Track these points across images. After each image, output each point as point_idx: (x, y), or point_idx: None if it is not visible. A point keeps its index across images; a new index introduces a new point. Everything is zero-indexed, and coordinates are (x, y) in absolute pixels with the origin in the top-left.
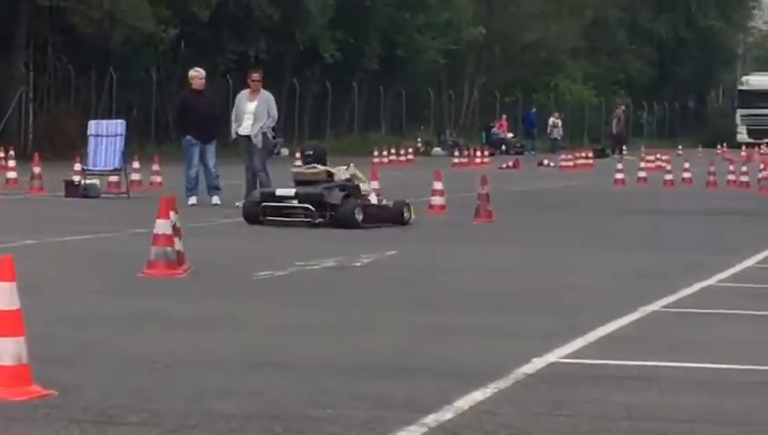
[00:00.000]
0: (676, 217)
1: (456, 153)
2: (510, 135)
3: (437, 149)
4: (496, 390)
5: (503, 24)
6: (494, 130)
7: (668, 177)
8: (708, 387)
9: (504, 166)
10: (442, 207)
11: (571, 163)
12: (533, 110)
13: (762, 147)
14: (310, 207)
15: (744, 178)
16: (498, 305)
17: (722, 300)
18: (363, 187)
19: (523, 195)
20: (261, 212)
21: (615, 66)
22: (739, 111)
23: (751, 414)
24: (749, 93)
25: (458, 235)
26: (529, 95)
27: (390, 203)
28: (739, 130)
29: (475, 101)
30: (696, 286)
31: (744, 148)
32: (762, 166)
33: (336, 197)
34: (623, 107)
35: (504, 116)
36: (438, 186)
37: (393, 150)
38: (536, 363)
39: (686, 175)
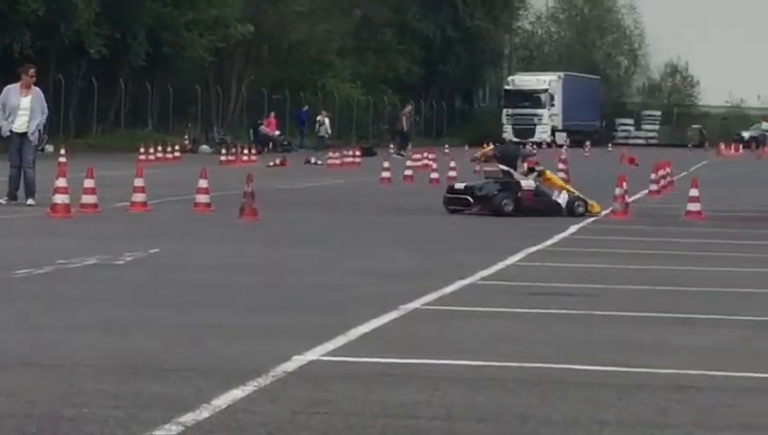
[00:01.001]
0: (441, 216)
1: (224, 151)
2: (277, 133)
3: (205, 147)
4: (255, 388)
5: (271, 22)
6: (262, 127)
7: (434, 175)
8: (466, 383)
9: (272, 163)
10: (207, 204)
11: (338, 161)
12: (306, 108)
13: (527, 145)
14: (468, 198)
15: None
16: (261, 304)
17: (483, 298)
18: (525, 183)
19: (290, 193)
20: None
21: (383, 65)
22: (505, 111)
23: (507, 410)
24: (514, 93)
25: (223, 233)
26: (297, 93)
27: (564, 198)
28: (505, 128)
29: (243, 98)
30: (458, 284)
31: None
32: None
33: (490, 190)
34: (410, 107)
35: (273, 114)
36: (204, 184)
37: (160, 148)
38: (297, 361)
39: (452, 173)
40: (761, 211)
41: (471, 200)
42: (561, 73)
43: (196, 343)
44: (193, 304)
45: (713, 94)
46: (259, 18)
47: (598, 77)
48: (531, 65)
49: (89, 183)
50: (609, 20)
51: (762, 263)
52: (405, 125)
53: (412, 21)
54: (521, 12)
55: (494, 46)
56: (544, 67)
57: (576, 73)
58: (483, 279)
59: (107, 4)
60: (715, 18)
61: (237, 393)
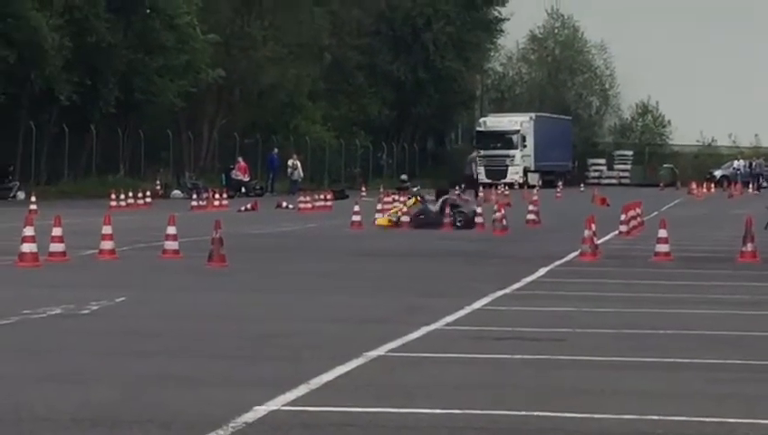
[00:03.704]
0: (408, 260)
1: (195, 196)
2: (247, 177)
3: (177, 192)
4: None
5: (242, 66)
6: (234, 172)
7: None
8: (427, 433)
9: (243, 208)
10: (176, 251)
11: (309, 205)
12: (276, 151)
13: (499, 187)
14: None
15: (479, 220)
16: (224, 353)
17: (448, 344)
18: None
19: (260, 238)
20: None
21: (355, 108)
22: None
23: None
24: (486, 134)
25: (190, 280)
26: (269, 137)
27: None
28: (478, 169)
29: (215, 142)
30: (423, 330)
31: (482, 188)
32: (497, 206)
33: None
34: (476, 152)
35: (241, 158)
36: (172, 230)
37: (131, 193)
38: (258, 412)
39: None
40: (729, 251)
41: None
42: (533, 114)
43: (157, 393)
44: (155, 354)
45: (684, 133)
46: (229, 63)
47: (569, 117)
48: (502, 106)
49: (56, 231)
50: (579, 60)
51: (728, 304)
52: (473, 171)
53: (383, 63)
54: (492, 53)
55: (466, 88)
56: (516, 108)
57: (547, 114)
58: (448, 324)
59: (77, 51)
60: (684, 58)
61: None
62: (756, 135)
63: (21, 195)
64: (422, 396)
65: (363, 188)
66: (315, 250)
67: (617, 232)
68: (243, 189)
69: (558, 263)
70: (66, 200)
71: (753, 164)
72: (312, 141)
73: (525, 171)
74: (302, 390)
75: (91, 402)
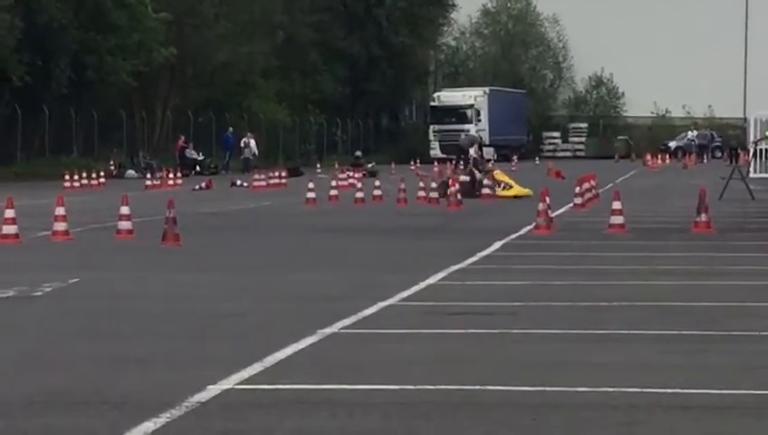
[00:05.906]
0: (362, 236)
1: (149, 175)
2: (199, 155)
3: (131, 172)
4: (168, 419)
5: (194, 45)
6: (188, 150)
7: (359, 194)
8: (379, 409)
9: (198, 187)
10: (129, 231)
11: (263, 183)
12: (231, 130)
13: (454, 162)
14: None
15: (434, 195)
16: (177, 333)
17: (403, 319)
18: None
19: (214, 217)
20: None
21: (309, 85)
22: (432, 127)
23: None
24: (440, 109)
25: (144, 260)
26: (223, 115)
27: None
28: (432, 145)
29: (169, 122)
30: (378, 306)
31: (436, 163)
32: (451, 181)
33: None
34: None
35: (183, 137)
36: (125, 210)
37: (85, 174)
38: (211, 391)
39: (377, 192)
40: (683, 222)
41: None
42: (487, 88)
43: (110, 374)
44: (109, 335)
45: (638, 105)
46: (182, 41)
47: (523, 91)
48: (456, 81)
49: (9, 213)
50: (532, 34)
51: (682, 275)
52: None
53: (336, 40)
54: (445, 28)
55: (419, 63)
56: (470, 83)
57: (501, 88)
58: (402, 300)
59: (29, 31)
60: (638, 29)
61: (149, 426)
62: (710, 106)
63: None
64: (376, 372)
65: (318, 165)
66: (270, 228)
67: (572, 205)
68: (197, 168)
69: (513, 236)
70: (19, 182)
71: (698, 134)
72: (266, 120)
73: (480, 145)
74: (255, 368)
75: (46, 385)
